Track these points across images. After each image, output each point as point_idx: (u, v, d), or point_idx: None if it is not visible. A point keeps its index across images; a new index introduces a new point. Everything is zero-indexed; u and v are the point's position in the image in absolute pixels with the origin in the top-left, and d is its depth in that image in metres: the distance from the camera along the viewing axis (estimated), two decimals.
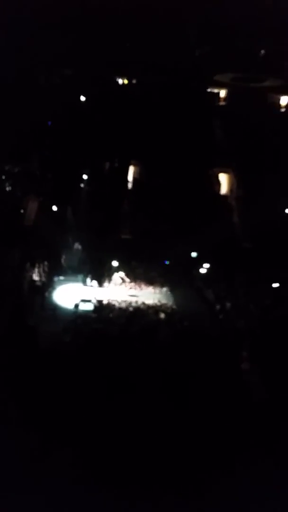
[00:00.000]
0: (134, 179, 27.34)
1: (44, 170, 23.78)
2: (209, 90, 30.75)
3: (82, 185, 24.47)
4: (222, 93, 30.77)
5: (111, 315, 17.72)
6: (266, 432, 11.47)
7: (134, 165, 27.64)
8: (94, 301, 18.26)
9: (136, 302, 18.71)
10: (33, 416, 11.64)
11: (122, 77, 30.06)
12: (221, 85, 30.77)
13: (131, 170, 27.53)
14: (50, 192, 22.89)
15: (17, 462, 10.15)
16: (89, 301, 18.17)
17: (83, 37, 27.99)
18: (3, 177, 22.69)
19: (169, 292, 19.92)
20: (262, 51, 32.08)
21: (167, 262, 21.05)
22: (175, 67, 29.09)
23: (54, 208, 22.50)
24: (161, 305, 18.70)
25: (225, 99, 30.95)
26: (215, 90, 30.79)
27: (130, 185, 26.73)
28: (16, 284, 18.57)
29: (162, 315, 18.05)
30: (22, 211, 21.70)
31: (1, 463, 10.02)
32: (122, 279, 20.06)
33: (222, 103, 31.03)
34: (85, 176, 24.81)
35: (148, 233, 23.64)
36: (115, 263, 20.49)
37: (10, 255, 19.61)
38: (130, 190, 26.45)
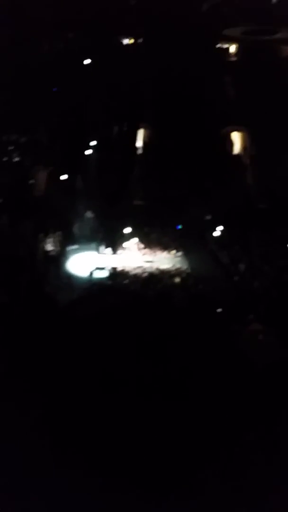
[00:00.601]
0: (144, 142, 26.71)
1: (52, 139, 23.42)
2: (219, 45, 29.43)
3: (91, 151, 24.06)
4: (233, 48, 29.42)
5: (126, 281, 17.77)
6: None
7: (144, 128, 26.93)
8: (108, 268, 18.31)
9: (151, 267, 18.67)
10: (47, 384, 11.79)
11: (127, 37, 28.96)
12: (231, 40, 29.38)
13: (141, 133, 26.88)
14: (59, 161, 22.61)
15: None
16: (103, 268, 18.23)
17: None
18: (11, 147, 22.45)
19: (183, 257, 19.78)
20: (273, 0, 30.36)
21: (179, 227, 20.80)
22: (182, 24, 27.82)
23: (64, 177, 22.28)
24: (176, 270, 18.62)
25: (236, 54, 29.62)
26: (225, 45, 29.45)
27: (140, 149, 26.19)
28: (30, 254, 18.72)
29: (177, 280, 18.02)
30: (31, 181, 21.57)
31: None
32: (136, 245, 19.97)
33: (233, 58, 29.72)
34: (93, 142, 24.36)
35: (160, 198, 23.32)
36: (128, 230, 20.36)
37: (23, 226, 19.67)
38: (140, 154, 25.93)
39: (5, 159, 22.11)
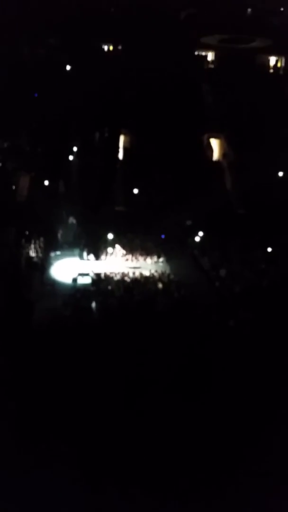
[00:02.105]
0: (125, 148, 26.98)
1: (34, 144, 23.43)
2: (196, 53, 30.01)
3: (73, 157, 24.17)
4: (210, 56, 30.06)
5: (109, 287, 17.93)
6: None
7: (125, 134, 27.20)
8: (92, 274, 18.44)
9: (134, 273, 18.90)
10: (31, 393, 11.80)
11: (108, 43, 29.22)
12: (208, 48, 30.00)
13: (122, 139, 27.13)
14: (41, 167, 22.65)
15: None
16: (87, 274, 18.33)
17: (66, 5, 27.07)
18: None
19: (165, 262, 20.11)
20: (249, 10, 31.16)
21: (163, 236, 21.10)
22: (161, 32, 28.28)
23: (46, 182, 22.33)
24: (158, 275, 18.91)
25: (213, 62, 30.26)
26: (203, 53, 30.06)
27: (121, 155, 26.44)
28: (13, 261, 18.67)
29: (160, 285, 18.31)
30: (13, 187, 21.54)
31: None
32: (119, 251, 20.18)
33: (210, 66, 30.35)
34: (75, 148, 24.48)
35: (142, 204, 23.61)
36: (110, 236, 20.57)
37: (5, 232, 19.62)
38: (121, 161, 26.19)
39: None
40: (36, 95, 24.80)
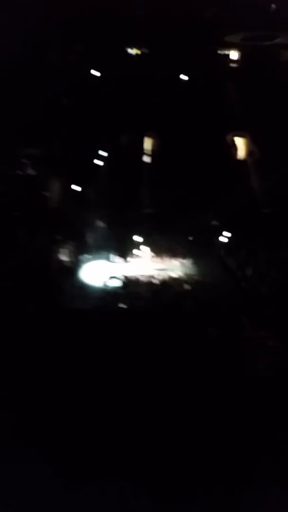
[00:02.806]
0: (151, 150, 27.46)
1: (64, 151, 24.25)
2: (219, 52, 30.00)
3: (101, 162, 24.89)
4: (234, 54, 30.00)
5: (137, 289, 18.63)
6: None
7: (150, 136, 27.68)
8: (121, 277, 19.17)
9: (162, 275, 19.51)
10: (62, 397, 12.34)
11: (133, 47, 29.67)
12: (232, 46, 29.94)
13: (147, 142, 27.62)
14: (71, 173, 23.47)
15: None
16: (116, 277, 19.09)
17: (91, 11, 27.56)
18: (25, 161, 23.35)
19: (192, 263, 20.61)
20: (273, 6, 30.83)
21: (191, 238, 21.58)
22: (185, 33, 28.47)
23: (76, 188, 23.14)
24: (186, 277, 19.45)
25: (237, 60, 30.20)
26: (226, 52, 30.03)
27: (147, 158, 26.93)
28: (45, 265, 19.62)
29: (187, 286, 18.86)
30: (45, 194, 22.46)
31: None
32: (147, 253, 20.82)
33: (234, 64, 30.29)
34: (103, 153, 25.17)
35: (169, 205, 24.09)
36: (138, 238, 21.21)
37: (38, 238, 20.58)
38: (147, 163, 26.69)
39: (20, 172, 23.03)
40: (65, 102, 25.60)
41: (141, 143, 28.21)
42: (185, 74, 28.34)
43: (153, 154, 28.72)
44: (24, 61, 25.24)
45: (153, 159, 28.43)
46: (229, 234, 21.69)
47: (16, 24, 24.94)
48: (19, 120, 22.94)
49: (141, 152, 28.01)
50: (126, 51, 29.70)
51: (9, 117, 22.53)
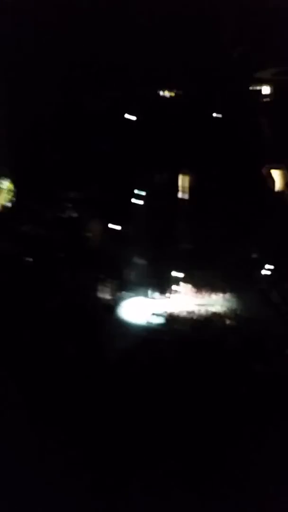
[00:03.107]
0: (187, 187, 27.95)
1: (104, 193, 25.12)
2: (252, 88, 30.63)
3: (139, 201, 25.55)
4: (266, 89, 30.54)
5: (178, 326, 18.59)
6: None
7: (186, 174, 28.24)
8: (162, 314, 19.23)
9: (203, 311, 19.43)
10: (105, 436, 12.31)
11: (167, 90, 30.81)
12: (263, 82, 30.53)
13: (183, 178, 28.18)
14: (110, 213, 24.19)
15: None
16: (157, 314, 19.17)
17: (123, 57, 28.92)
18: (68, 205, 24.36)
19: (233, 298, 20.42)
20: None
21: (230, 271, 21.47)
22: (216, 72, 29.33)
23: (116, 227, 23.76)
24: (227, 312, 19.26)
25: (269, 95, 30.70)
26: (258, 88, 30.63)
27: (184, 195, 27.40)
28: (86, 304, 20.03)
29: (229, 322, 18.65)
30: (87, 234, 23.19)
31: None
32: (187, 289, 20.86)
33: (266, 99, 30.78)
34: (141, 193, 25.87)
35: (207, 240, 24.20)
36: (178, 274, 21.34)
37: (80, 277, 21.13)
38: (184, 200, 27.13)
39: (64, 215, 24.00)
40: (103, 147, 26.68)
41: (176, 180, 28.85)
42: (217, 112, 29.03)
43: (189, 191, 29.23)
44: (60, 107, 26.66)
45: (190, 196, 28.91)
46: (271, 267, 21.43)
47: (52, 69, 26.35)
48: (59, 165, 24.09)
49: (177, 189, 28.60)
50: (159, 93, 30.94)
51: (49, 163, 23.73)
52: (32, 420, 12.75)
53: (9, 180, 24.97)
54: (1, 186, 24.05)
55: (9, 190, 24.79)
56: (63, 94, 27.71)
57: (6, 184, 24.55)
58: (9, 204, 23.92)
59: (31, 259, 21.59)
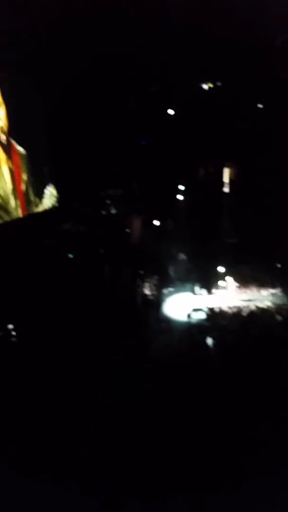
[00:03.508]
0: (231, 180, 27.12)
1: (144, 189, 24.86)
2: None
3: (180, 196, 25.06)
4: None
5: (224, 322, 17.81)
6: None
7: (230, 166, 27.42)
8: (205, 309, 18.54)
9: (249, 306, 18.55)
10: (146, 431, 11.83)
11: (206, 82, 30.13)
12: None
13: (227, 171, 27.36)
14: (150, 208, 23.85)
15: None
16: (200, 310, 18.50)
17: (163, 50, 28.51)
18: (108, 201, 24.30)
19: (283, 293, 19.40)
20: None
21: (279, 266, 20.44)
22: (258, 62, 28.30)
23: (156, 222, 23.37)
24: (276, 307, 18.28)
25: None
26: None
27: (227, 188, 26.59)
28: (129, 299, 19.69)
29: (278, 317, 17.66)
30: (128, 230, 22.96)
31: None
32: (232, 284, 20.04)
33: None
34: (182, 187, 25.36)
35: (253, 234, 23.25)
36: (222, 269, 20.57)
37: (122, 273, 20.86)
38: (228, 193, 26.31)
39: (104, 212, 23.96)
40: (143, 143, 26.42)
41: (221, 173, 28.04)
42: (260, 104, 27.96)
43: (234, 184, 28.33)
44: (103, 106, 26.64)
45: (234, 189, 28.01)
46: None
47: (93, 69, 26.36)
48: (101, 163, 24.03)
49: (221, 182, 27.77)
50: (201, 86, 30.27)
51: (91, 162, 23.72)
52: (73, 408, 12.57)
53: (52, 185, 25.37)
54: (46, 191, 24.45)
55: (52, 195, 25.13)
56: (102, 92, 27.80)
57: (50, 189, 24.92)
58: (53, 207, 24.19)
59: (74, 255, 21.62)
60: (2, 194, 18.50)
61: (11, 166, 18.90)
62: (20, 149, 19.83)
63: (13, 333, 16.88)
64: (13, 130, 18.74)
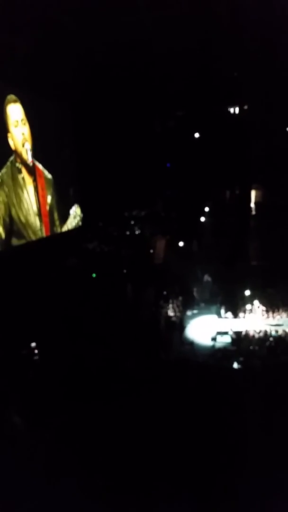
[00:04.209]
0: (258, 203, 26.81)
1: (168, 210, 24.80)
2: None
3: (205, 217, 24.84)
4: None
5: (251, 347, 17.17)
6: None
7: (256, 189, 27.19)
8: (231, 333, 17.97)
9: (277, 331, 17.88)
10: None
11: (233, 106, 30.26)
12: None
13: (253, 194, 27.10)
14: (175, 230, 23.68)
15: None
16: (226, 333, 17.93)
17: (189, 75, 28.83)
18: (132, 222, 24.28)
19: None
20: None
21: None
22: (283, 84, 28.28)
23: (181, 244, 23.12)
24: None
25: None
26: None
27: (254, 210, 26.27)
28: (153, 320, 19.31)
29: None
30: (151, 251, 22.76)
31: None
32: (258, 308, 19.43)
33: None
34: (207, 209, 25.16)
35: (280, 257, 22.72)
36: (248, 292, 20.01)
37: (146, 294, 20.55)
38: (254, 215, 25.97)
39: (128, 232, 23.89)
40: (168, 165, 26.51)
41: (247, 195, 27.78)
42: (285, 126, 27.83)
43: (260, 207, 27.99)
44: (129, 128, 26.94)
45: (260, 212, 27.65)
46: None
47: (118, 94, 26.75)
48: (126, 184, 24.15)
49: (247, 204, 27.48)
50: (227, 110, 30.42)
51: (117, 182, 23.85)
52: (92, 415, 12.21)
53: (77, 205, 25.65)
54: (70, 212, 24.73)
55: (77, 215, 25.37)
56: (129, 114, 28.21)
57: (75, 209, 25.17)
58: (78, 227, 24.35)
59: (97, 275, 21.49)
60: (27, 215, 18.64)
61: (36, 188, 19.08)
62: (45, 171, 20.06)
63: (36, 351, 16.71)
64: (38, 152, 18.94)
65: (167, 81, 28.57)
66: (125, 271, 21.57)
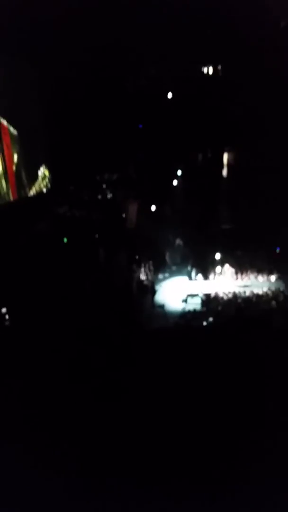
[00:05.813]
0: (230, 166, 26.67)
1: (140, 173, 24.42)
2: None
3: (177, 181, 24.63)
4: None
5: (220, 307, 17.56)
6: None
7: (228, 151, 26.96)
8: (201, 295, 18.28)
9: (245, 292, 18.29)
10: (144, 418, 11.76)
11: (206, 65, 29.51)
12: None
13: (226, 156, 26.90)
14: (147, 193, 23.45)
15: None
16: (196, 295, 18.24)
17: (162, 33, 27.86)
18: (104, 185, 23.88)
19: (280, 279, 19.12)
20: None
21: (278, 249, 20.13)
22: (261, 44, 27.64)
23: (153, 207, 22.99)
24: (272, 293, 18.02)
25: None
26: None
27: (226, 173, 26.16)
28: (125, 284, 19.41)
29: (274, 303, 17.40)
30: (123, 215, 22.59)
31: None
32: (228, 270, 19.75)
33: None
34: (179, 172, 24.92)
35: (251, 220, 22.92)
36: (218, 255, 20.27)
37: (118, 258, 20.55)
38: (226, 178, 25.89)
39: (99, 197, 23.54)
40: (140, 126, 25.89)
41: (220, 158, 27.58)
42: (262, 87, 27.38)
43: (231, 169, 27.89)
44: (99, 89, 26.08)
45: (232, 174, 27.58)
46: None
47: (90, 51, 25.75)
48: (97, 146, 23.54)
49: (219, 167, 27.32)
50: (201, 70, 29.66)
51: (87, 145, 23.22)
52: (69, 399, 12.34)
53: (44, 166, 24.87)
54: (39, 173, 24.01)
55: (45, 176, 24.69)
56: (100, 73, 27.20)
57: (43, 171, 24.46)
58: (46, 189, 23.75)
59: (68, 240, 21.27)
60: None
61: (1, 146, 18.34)
62: (11, 128, 19.24)
63: (7, 317, 16.63)
64: (3, 108, 18.10)
65: (139, 38, 27.53)
66: (96, 236, 21.41)
